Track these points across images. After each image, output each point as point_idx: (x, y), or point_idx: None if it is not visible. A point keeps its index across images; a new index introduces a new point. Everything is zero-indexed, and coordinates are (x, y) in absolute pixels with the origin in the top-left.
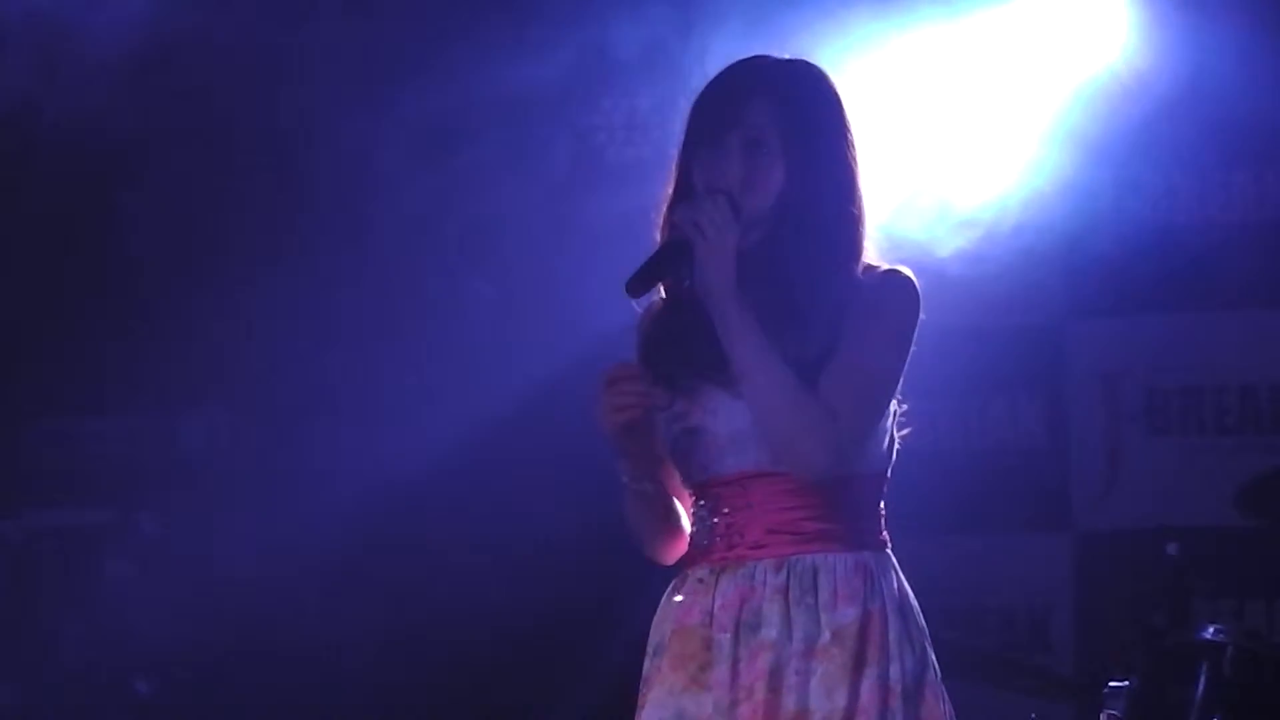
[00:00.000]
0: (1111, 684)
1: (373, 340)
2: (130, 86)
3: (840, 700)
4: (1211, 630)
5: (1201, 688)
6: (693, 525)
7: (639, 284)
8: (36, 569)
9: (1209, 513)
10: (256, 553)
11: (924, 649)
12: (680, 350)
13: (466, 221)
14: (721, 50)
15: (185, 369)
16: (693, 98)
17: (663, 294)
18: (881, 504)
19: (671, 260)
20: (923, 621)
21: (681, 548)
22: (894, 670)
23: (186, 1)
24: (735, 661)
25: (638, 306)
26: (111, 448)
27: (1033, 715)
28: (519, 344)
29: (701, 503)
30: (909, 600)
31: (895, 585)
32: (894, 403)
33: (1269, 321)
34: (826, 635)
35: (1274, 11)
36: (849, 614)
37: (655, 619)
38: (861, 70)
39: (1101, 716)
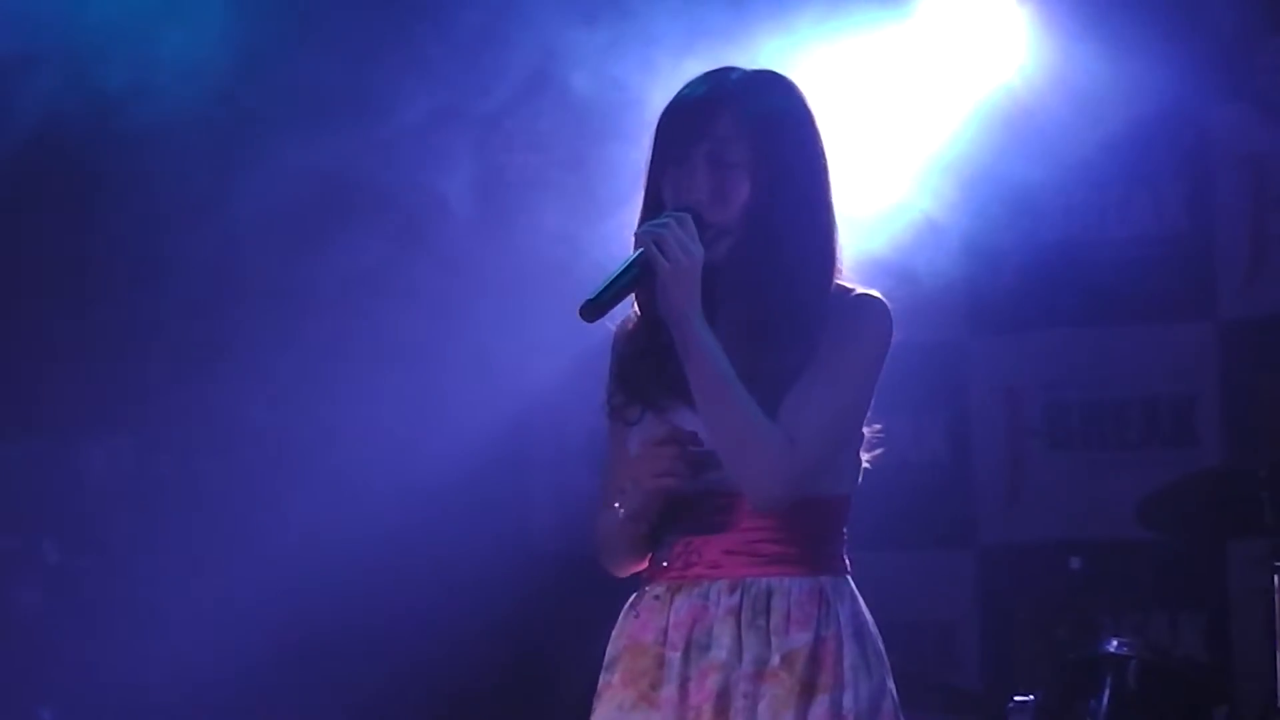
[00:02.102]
0: (1016, 699)
1: (282, 364)
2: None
3: None
4: (1115, 643)
5: (1106, 700)
6: (658, 540)
7: (594, 307)
8: None
9: (1112, 526)
10: (166, 581)
11: (882, 677)
12: (652, 367)
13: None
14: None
15: (87, 394)
16: (658, 112)
17: (636, 310)
18: (844, 528)
19: (630, 281)
20: (882, 648)
21: (641, 561)
22: (847, 698)
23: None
24: (685, 681)
25: (610, 324)
26: (13, 473)
27: None
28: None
29: (666, 519)
30: (867, 627)
31: (852, 611)
32: (866, 428)
33: (1169, 335)
34: (776, 659)
35: (1170, 29)
36: (800, 639)
37: (613, 634)
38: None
39: None
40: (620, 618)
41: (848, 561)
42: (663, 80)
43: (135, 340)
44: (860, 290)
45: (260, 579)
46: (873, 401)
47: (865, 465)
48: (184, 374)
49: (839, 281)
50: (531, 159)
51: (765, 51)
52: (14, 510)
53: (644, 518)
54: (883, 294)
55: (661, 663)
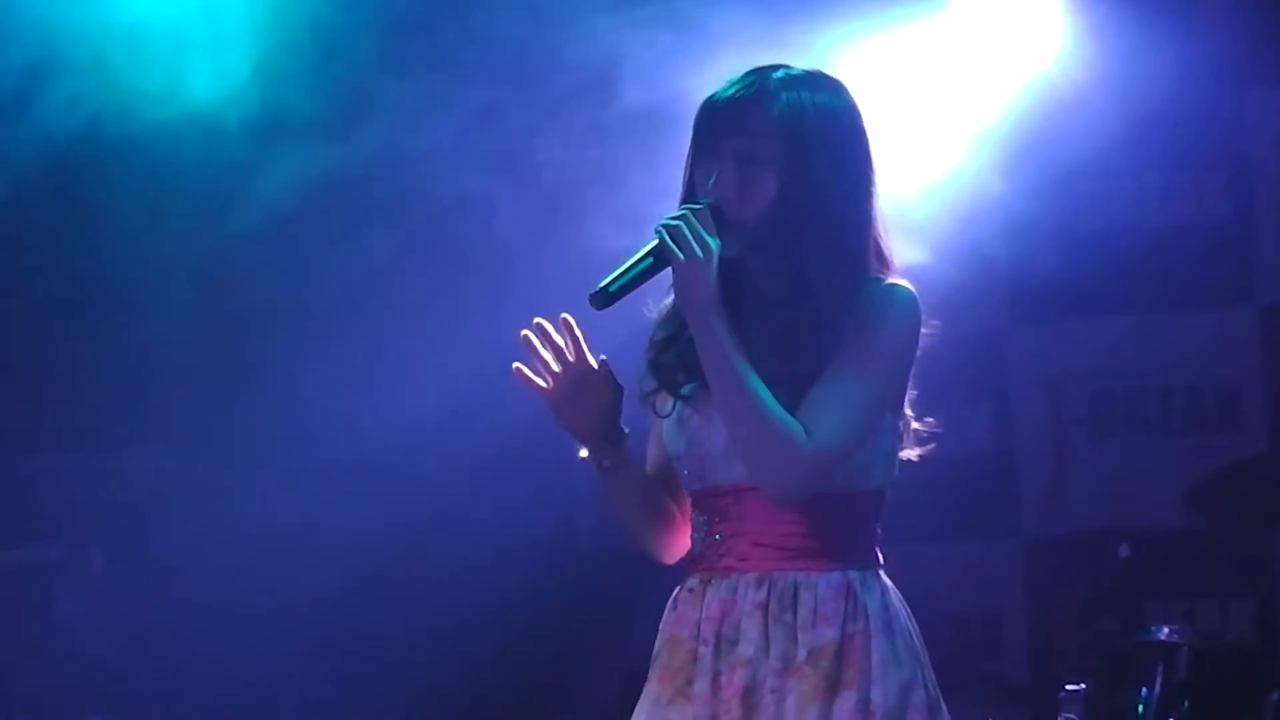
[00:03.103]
0: (1067, 688)
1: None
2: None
3: None
4: (1165, 631)
5: (1158, 688)
6: (693, 534)
7: (604, 296)
8: None
9: (1158, 514)
10: (210, 589)
11: (915, 672)
12: (682, 357)
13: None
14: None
15: (131, 405)
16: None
17: (671, 298)
18: (876, 522)
19: (642, 272)
20: (917, 641)
21: (679, 545)
22: (875, 693)
23: None
24: (716, 675)
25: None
26: (58, 485)
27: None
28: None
29: (698, 512)
30: (898, 621)
31: (882, 605)
32: (901, 420)
33: (1212, 323)
34: (802, 654)
35: (1207, 17)
36: (827, 634)
37: (660, 625)
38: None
39: (1059, 719)
40: (665, 611)
41: (880, 555)
42: (702, 83)
43: (176, 352)
44: (890, 280)
45: (301, 580)
46: (913, 395)
47: (913, 459)
48: (223, 386)
49: (876, 273)
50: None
51: (811, 50)
52: (58, 521)
53: (615, 494)
54: (924, 288)
55: (695, 657)
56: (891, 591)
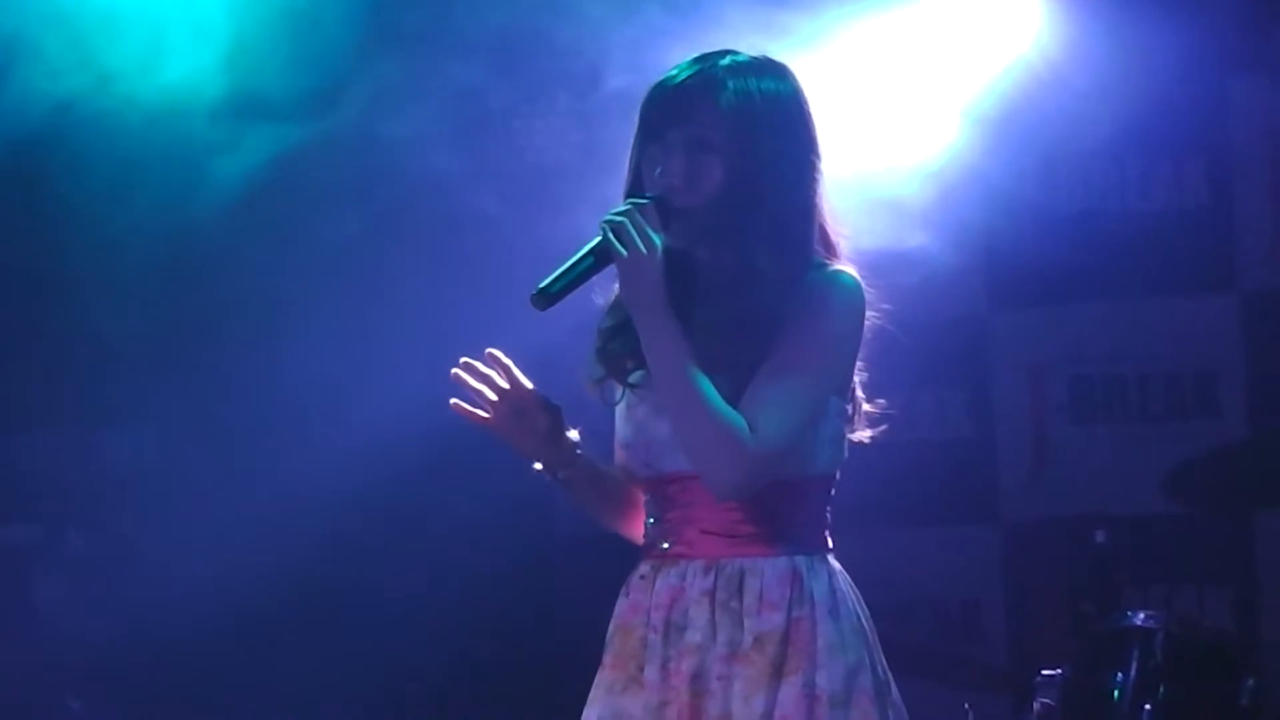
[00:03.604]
0: (1043, 673)
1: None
2: None
3: (758, 707)
4: (1142, 616)
5: (1133, 673)
6: (644, 520)
7: (545, 296)
8: None
9: (1136, 500)
10: (189, 570)
11: (861, 654)
12: (630, 345)
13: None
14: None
15: (109, 385)
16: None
17: (618, 287)
18: (826, 506)
19: (585, 270)
20: (865, 625)
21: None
22: (821, 677)
23: None
24: (665, 661)
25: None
26: (37, 466)
27: (967, 706)
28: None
29: (647, 499)
30: (845, 605)
31: (829, 590)
32: (849, 402)
33: (1191, 308)
34: (749, 640)
35: (1189, 1)
36: (773, 620)
37: (614, 612)
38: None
39: (1035, 705)
40: (619, 598)
41: (829, 540)
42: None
43: (156, 333)
44: (834, 267)
45: (280, 561)
46: (864, 378)
47: (863, 441)
48: (203, 366)
49: (821, 259)
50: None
51: (799, 32)
52: (37, 502)
53: (580, 499)
54: (905, 271)
55: (645, 644)
56: (839, 575)
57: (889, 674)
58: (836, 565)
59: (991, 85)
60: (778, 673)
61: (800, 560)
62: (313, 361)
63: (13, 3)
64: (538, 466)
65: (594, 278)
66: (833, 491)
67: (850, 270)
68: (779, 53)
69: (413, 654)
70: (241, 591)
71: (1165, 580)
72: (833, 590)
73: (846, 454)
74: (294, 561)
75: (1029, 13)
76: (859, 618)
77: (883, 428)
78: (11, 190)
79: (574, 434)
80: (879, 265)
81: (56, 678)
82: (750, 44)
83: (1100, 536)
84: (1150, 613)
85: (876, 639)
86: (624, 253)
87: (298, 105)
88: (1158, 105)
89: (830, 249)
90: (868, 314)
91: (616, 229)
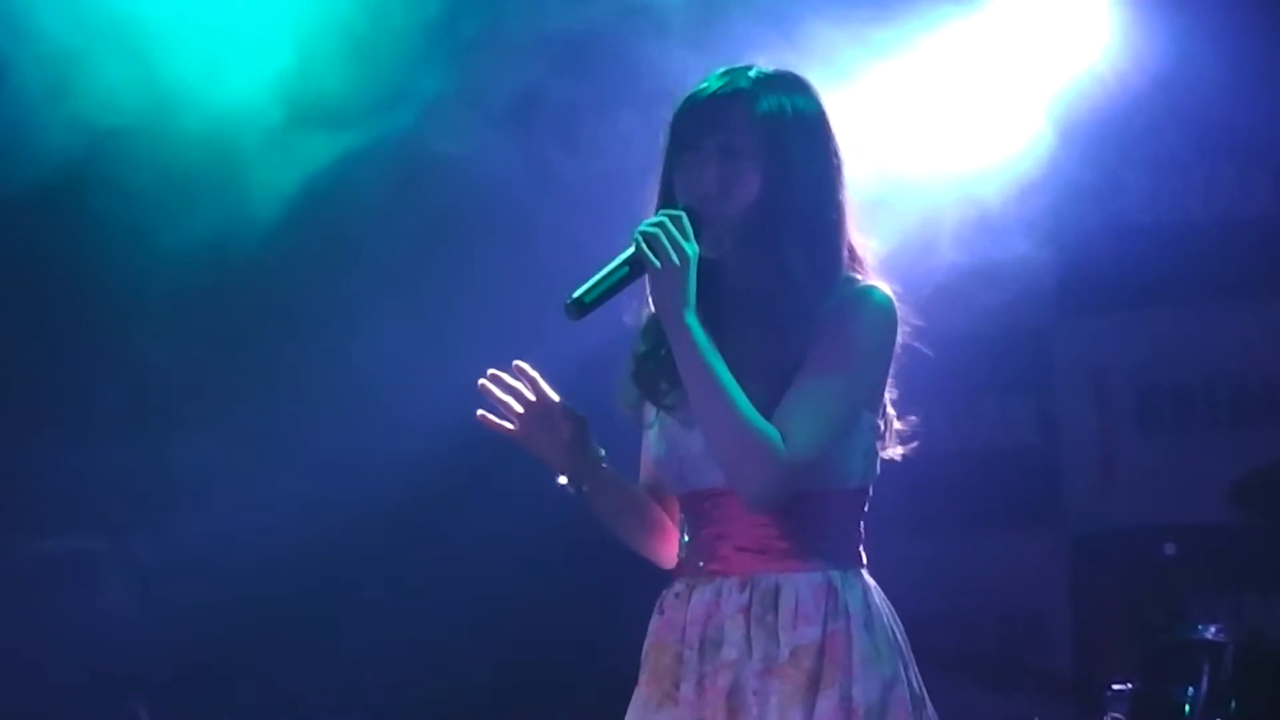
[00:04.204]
0: (1114, 687)
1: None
2: None
3: None
4: (1212, 630)
5: (1204, 687)
6: (679, 537)
7: (579, 306)
8: (34, 596)
9: (1204, 510)
10: (250, 577)
11: (896, 667)
12: (664, 368)
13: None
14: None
15: (172, 394)
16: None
17: (651, 308)
18: (860, 521)
19: (619, 281)
20: (899, 638)
21: (674, 551)
22: (857, 690)
23: None
24: (701, 678)
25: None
26: (103, 474)
27: (1035, 718)
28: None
29: (683, 516)
30: (880, 619)
31: (863, 603)
32: (880, 419)
33: (1257, 315)
34: (785, 654)
35: (1252, 8)
36: (808, 634)
37: (648, 630)
38: (849, 85)
39: (1105, 719)
40: (652, 616)
41: (862, 554)
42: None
43: (218, 344)
44: (866, 281)
45: (339, 569)
46: (894, 395)
47: (896, 458)
48: (265, 376)
49: (850, 272)
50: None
51: (868, 45)
52: (103, 509)
53: (602, 513)
54: (972, 280)
55: (680, 661)
56: (873, 589)
57: (924, 688)
58: (870, 580)
59: (1059, 96)
60: (814, 686)
61: (835, 574)
62: (367, 367)
63: (72, 19)
64: (562, 480)
65: (626, 290)
66: (866, 506)
67: (883, 285)
68: (850, 63)
69: (453, 666)
70: (297, 597)
71: (1233, 591)
72: (867, 604)
73: (879, 470)
74: (352, 567)
75: (1098, 25)
76: (893, 631)
77: (914, 444)
78: (75, 203)
79: (599, 449)
80: (948, 277)
81: (119, 683)
82: (834, 54)
83: (1169, 548)
84: (1219, 625)
85: (911, 653)
86: (657, 264)
87: (355, 114)
88: (1223, 114)
89: (858, 261)
90: (900, 329)
91: (649, 239)
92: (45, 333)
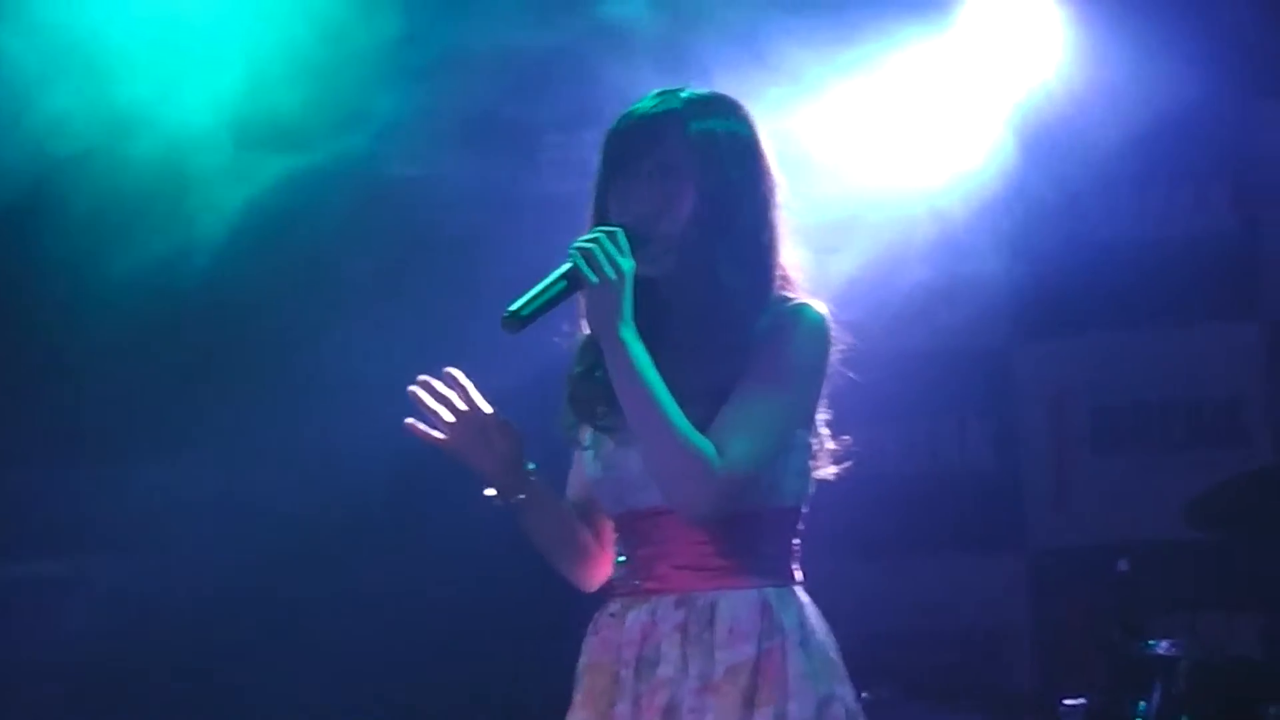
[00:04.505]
0: (1065, 702)
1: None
2: None
3: None
4: (1165, 645)
5: (1157, 701)
6: (616, 558)
7: (516, 320)
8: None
9: (1159, 527)
10: (215, 600)
11: (832, 685)
12: (599, 388)
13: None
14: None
15: (139, 419)
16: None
17: (585, 328)
18: (794, 539)
19: (556, 295)
20: (835, 656)
21: (598, 575)
22: (792, 707)
23: None
24: (637, 697)
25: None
26: (66, 498)
27: None
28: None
29: (619, 536)
30: (815, 636)
31: (798, 621)
32: (814, 438)
33: (1213, 337)
34: (720, 672)
35: (1211, 28)
36: (744, 651)
37: (581, 650)
38: (806, 104)
39: None
40: (586, 636)
41: (797, 572)
42: None
43: (182, 367)
44: (799, 299)
45: (306, 592)
46: (827, 416)
47: (829, 478)
48: (226, 399)
49: (781, 292)
50: None
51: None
52: (66, 534)
53: (530, 529)
54: (928, 302)
55: (616, 680)
56: (809, 607)
57: (859, 707)
58: (805, 597)
59: (1014, 115)
60: (750, 704)
61: (770, 592)
62: (325, 384)
63: (28, 41)
64: (490, 491)
65: (560, 309)
66: (800, 525)
67: (817, 304)
68: (815, 81)
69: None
70: (264, 620)
71: (1190, 608)
72: (802, 622)
73: (813, 489)
74: (318, 589)
75: (1052, 42)
76: (828, 650)
77: (847, 464)
78: (31, 222)
79: (530, 463)
80: (905, 299)
81: (84, 709)
82: (800, 73)
83: (1123, 565)
84: (1172, 641)
85: (845, 672)
86: (594, 279)
87: (310, 136)
88: (1180, 131)
89: (790, 284)
90: (833, 349)
91: (586, 255)
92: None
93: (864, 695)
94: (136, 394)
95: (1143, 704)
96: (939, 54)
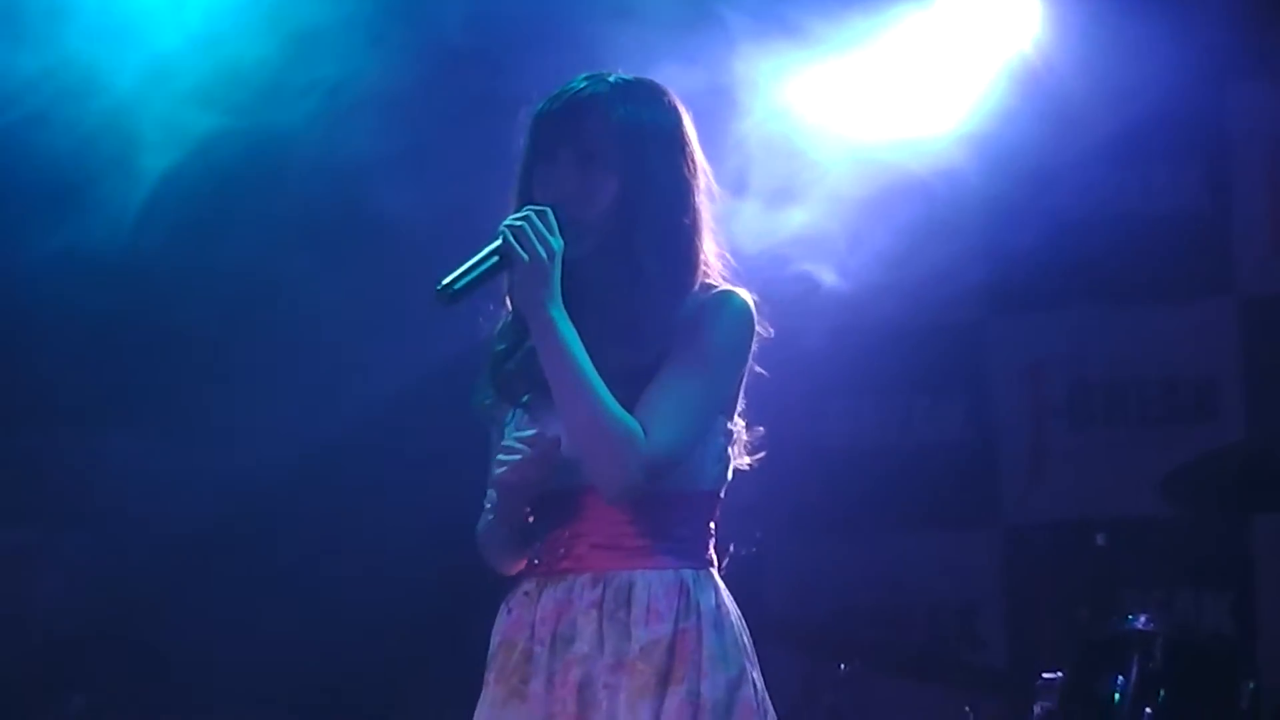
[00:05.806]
0: (1044, 676)
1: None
2: None
3: (644, 715)
4: (1142, 620)
5: (1134, 677)
6: (531, 538)
7: (448, 294)
8: None
9: (1135, 503)
10: (186, 568)
11: (743, 667)
12: (522, 367)
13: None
14: None
15: (108, 387)
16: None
17: (509, 307)
18: (711, 523)
19: (487, 271)
20: (746, 639)
21: (519, 554)
22: (705, 686)
23: None
24: (551, 673)
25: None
26: (36, 466)
27: (967, 709)
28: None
29: (536, 516)
30: (729, 618)
31: (714, 603)
32: (733, 425)
33: (1190, 312)
34: (635, 650)
35: (1189, 8)
36: (659, 630)
37: (493, 630)
38: (776, 82)
39: (1035, 709)
40: (498, 615)
41: (714, 556)
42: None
43: (153, 335)
44: (723, 287)
45: (274, 559)
46: (743, 406)
47: (745, 467)
48: (196, 368)
49: (705, 280)
50: None
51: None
52: (36, 502)
53: (508, 520)
54: (904, 277)
55: (530, 657)
56: (723, 590)
57: (766, 692)
58: (720, 580)
59: (989, 91)
60: (664, 682)
61: (687, 574)
62: (303, 366)
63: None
64: (495, 515)
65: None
66: (718, 510)
67: (742, 292)
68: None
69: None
70: (235, 587)
71: (1165, 584)
72: (717, 605)
73: (731, 475)
74: (286, 556)
75: (1030, 17)
76: (740, 633)
77: (761, 454)
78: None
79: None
80: (880, 274)
81: (57, 676)
82: (773, 50)
83: (1101, 538)
84: (1150, 616)
85: (756, 657)
86: (525, 256)
87: (267, 100)
88: (1157, 110)
89: (713, 272)
90: (756, 335)
91: (516, 233)
92: None
93: (843, 667)
94: (103, 364)
95: (1120, 678)
96: (916, 30)
